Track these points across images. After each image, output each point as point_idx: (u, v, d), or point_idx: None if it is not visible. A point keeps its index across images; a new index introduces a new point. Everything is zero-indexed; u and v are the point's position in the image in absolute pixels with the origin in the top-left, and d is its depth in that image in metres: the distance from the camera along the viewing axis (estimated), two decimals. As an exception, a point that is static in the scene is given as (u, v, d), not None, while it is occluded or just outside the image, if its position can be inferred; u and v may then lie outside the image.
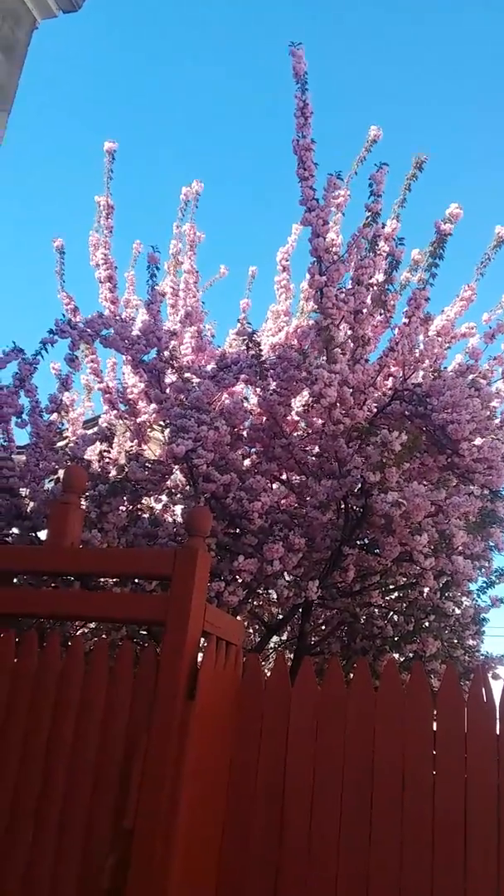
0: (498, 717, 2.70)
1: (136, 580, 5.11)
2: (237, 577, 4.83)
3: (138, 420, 5.98)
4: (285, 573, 4.93)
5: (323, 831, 2.72)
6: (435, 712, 2.75)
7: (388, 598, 6.00)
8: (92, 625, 5.43)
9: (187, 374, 5.60)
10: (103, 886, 2.58)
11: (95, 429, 5.94)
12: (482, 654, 6.52)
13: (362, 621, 5.76)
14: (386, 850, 2.64)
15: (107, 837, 2.67)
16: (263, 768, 2.85)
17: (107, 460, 5.81)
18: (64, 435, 6.22)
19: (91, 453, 5.82)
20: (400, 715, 2.76)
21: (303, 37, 4.90)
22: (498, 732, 2.68)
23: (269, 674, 3.12)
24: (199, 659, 2.80)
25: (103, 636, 4.77)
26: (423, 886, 2.58)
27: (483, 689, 2.72)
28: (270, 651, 6.28)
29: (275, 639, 6.16)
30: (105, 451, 5.87)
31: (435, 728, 2.74)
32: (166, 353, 5.63)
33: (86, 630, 5.30)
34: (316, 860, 2.70)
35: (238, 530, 5.11)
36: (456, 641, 6.15)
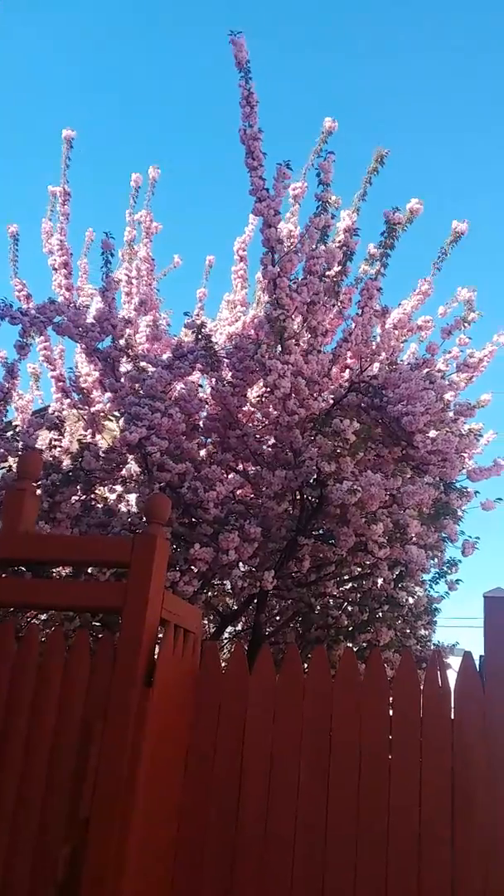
0: (453, 702, 2.73)
1: (90, 570, 5.04)
2: (192, 566, 4.80)
3: (92, 409, 5.89)
4: (241, 563, 4.92)
5: (280, 818, 2.72)
6: (391, 699, 2.77)
7: (342, 588, 6.04)
8: (44, 616, 5.33)
9: (142, 363, 5.53)
10: (57, 877, 2.53)
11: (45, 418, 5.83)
12: (434, 644, 6.62)
13: (317, 611, 5.78)
14: (343, 833, 2.65)
15: (61, 828, 2.62)
16: (221, 755, 2.83)
17: (58, 449, 5.70)
18: (13, 424, 6.09)
19: (41, 442, 5.71)
20: (357, 701, 2.77)
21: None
22: (452, 717, 2.71)
23: (225, 663, 3.10)
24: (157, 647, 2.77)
25: (57, 625, 4.68)
26: (378, 869, 2.59)
27: (438, 675, 2.75)
28: (225, 641, 6.26)
29: (229, 629, 6.14)
30: (56, 439, 5.77)
31: (391, 713, 2.75)
32: (121, 342, 5.55)
33: (37, 622, 5.20)
34: (273, 846, 2.70)
35: (193, 520, 5.07)
36: (409, 631, 6.23)
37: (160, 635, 2.80)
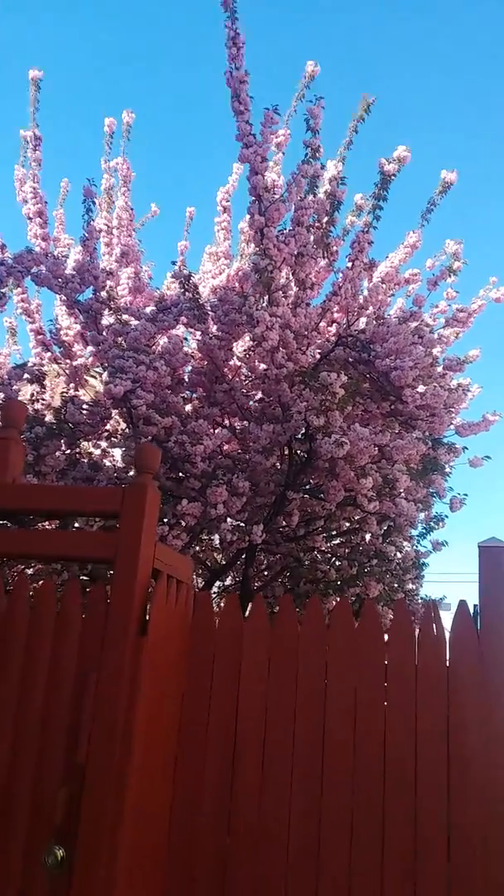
0: (448, 650, 2.72)
1: (76, 525, 4.99)
2: (181, 521, 4.76)
3: (74, 363, 5.78)
4: (229, 517, 4.88)
5: (276, 765, 2.71)
6: (386, 647, 2.76)
7: (331, 543, 6.04)
8: (30, 571, 5.28)
9: (125, 316, 5.41)
10: (55, 821, 2.52)
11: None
12: (422, 598, 6.67)
13: (305, 566, 5.79)
14: (338, 781, 2.65)
15: (59, 773, 2.60)
16: (216, 704, 2.81)
17: (41, 403, 5.60)
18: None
19: (22, 396, 5.60)
20: (352, 649, 2.75)
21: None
22: (448, 665, 2.70)
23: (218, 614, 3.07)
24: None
25: (45, 579, 4.63)
26: (375, 817, 2.60)
27: (434, 623, 2.73)
28: (214, 596, 6.26)
29: (218, 584, 6.14)
30: (38, 392, 5.66)
31: (387, 661, 2.74)
32: (103, 294, 5.42)
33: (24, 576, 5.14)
34: (269, 794, 2.69)
35: (181, 474, 5.02)
36: (396, 586, 6.26)
37: (151, 588, 2.75)
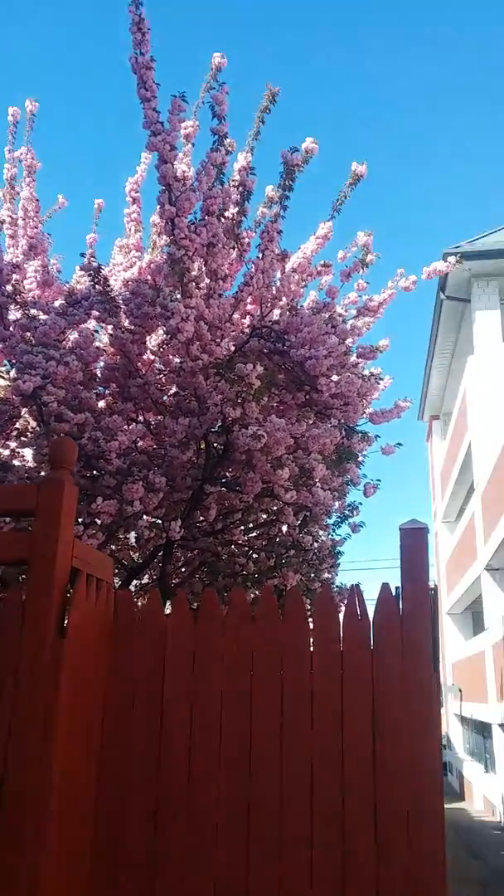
0: (372, 632, 2.74)
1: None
2: (96, 519, 4.65)
3: (-21, 361, 5.55)
4: (146, 514, 4.80)
5: (203, 764, 2.67)
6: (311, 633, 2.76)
7: (248, 536, 6.04)
8: None
9: (33, 311, 5.24)
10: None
11: None
12: (337, 587, 6.77)
13: (223, 559, 5.77)
14: (266, 772, 2.64)
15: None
16: (140, 703, 2.75)
17: None
18: None
19: None
20: (277, 638, 2.74)
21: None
22: (372, 647, 2.73)
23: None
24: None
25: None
26: (304, 799, 2.60)
27: (358, 608, 2.75)
28: (132, 594, 6.16)
29: (135, 582, 6.04)
30: None
31: (312, 649, 2.74)
32: (9, 287, 5.22)
33: None
34: (196, 794, 2.65)
35: (95, 472, 4.90)
36: (313, 575, 6.33)
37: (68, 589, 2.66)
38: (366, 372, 5.90)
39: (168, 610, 3.01)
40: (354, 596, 2.78)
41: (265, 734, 2.67)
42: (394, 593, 2.76)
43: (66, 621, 2.54)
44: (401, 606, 2.71)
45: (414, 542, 2.73)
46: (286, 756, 2.65)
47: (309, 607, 3.29)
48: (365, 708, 2.66)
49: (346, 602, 2.80)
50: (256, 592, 5.80)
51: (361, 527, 6.10)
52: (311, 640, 2.76)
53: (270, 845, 2.57)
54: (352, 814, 2.57)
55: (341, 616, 2.78)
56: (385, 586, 2.74)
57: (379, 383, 5.92)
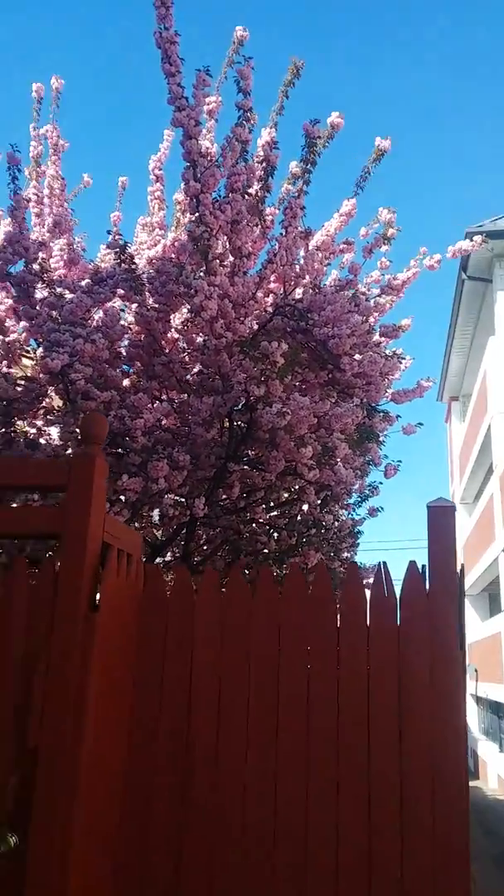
0: (399, 610, 2.77)
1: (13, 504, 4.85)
2: (121, 496, 4.70)
3: (7, 339, 5.59)
4: (170, 492, 4.84)
5: (231, 738, 2.73)
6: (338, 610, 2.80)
7: (270, 514, 6.07)
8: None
9: (59, 289, 5.26)
10: (6, 807, 2.47)
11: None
12: (352, 561, 6.79)
13: (245, 538, 5.80)
14: (293, 749, 2.69)
15: (9, 757, 2.55)
16: (169, 679, 2.81)
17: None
18: None
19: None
20: (304, 615, 2.78)
21: None
22: (399, 624, 2.76)
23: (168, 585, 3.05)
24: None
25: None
26: (329, 780, 2.65)
27: (385, 585, 2.78)
28: (160, 569, 6.22)
29: (158, 559, 6.10)
30: (-31, 372, 5.47)
31: (339, 625, 2.78)
32: (35, 266, 5.24)
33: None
34: (224, 767, 2.71)
35: (120, 450, 4.94)
36: (333, 554, 6.36)
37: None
38: (388, 351, 5.89)
39: (195, 586, 3.05)
40: (381, 573, 2.81)
41: (292, 709, 2.72)
42: (420, 571, 2.78)
43: (97, 595, 2.59)
44: (427, 584, 2.74)
45: (441, 520, 2.75)
46: (313, 732, 2.70)
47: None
48: (391, 684, 2.70)
49: (372, 579, 2.83)
50: (278, 571, 5.85)
51: (380, 511, 6.11)
52: (338, 616, 2.80)
53: (296, 815, 2.62)
54: (378, 788, 2.62)
55: (367, 593, 2.81)
56: (412, 564, 2.76)
57: (401, 363, 5.90)
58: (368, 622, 2.75)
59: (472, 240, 6.16)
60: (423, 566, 2.80)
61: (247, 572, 5.68)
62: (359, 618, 2.75)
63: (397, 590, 2.79)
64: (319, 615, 2.77)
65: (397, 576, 2.78)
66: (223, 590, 2.91)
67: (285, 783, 2.66)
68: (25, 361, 6.03)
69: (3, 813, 2.50)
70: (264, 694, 2.75)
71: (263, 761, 2.69)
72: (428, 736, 2.66)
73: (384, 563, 2.84)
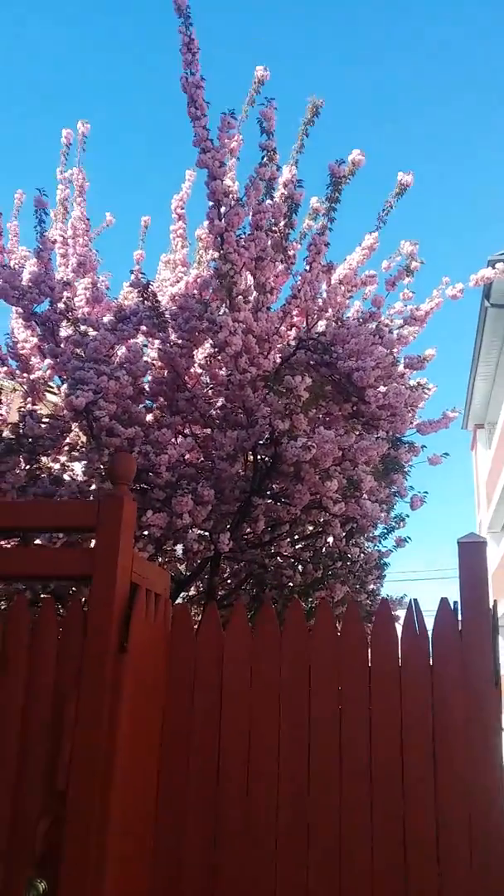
0: (431, 649, 2.73)
1: (37, 541, 4.87)
2: (146, 532, 4.70)
3: (32, 377, 5.66)
4: (194, 527, 4.83)
5: (261, 781, 2.68)
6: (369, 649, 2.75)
7: (295, 547, 6.03)
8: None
9: (83, 327, 5.33)
10: (36, 850, 2.44)
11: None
12: (383, 598, 6.71)
13: (270, 571, 5.77)
14: (325, 794, 2.63)
15: (38, 800, 2.52)
16: (198, 719, 2.77)
17: (-3, 419, 5.49)
18: None
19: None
20: (335, 653, 2.74)
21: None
22: (431, 664, 2.71)
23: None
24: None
25: (6, 600, 4.52)
26: (363, 818, 2.59)
27: (416, 622, 2.74)
28: (189, 608, 6.19)
29: (182, 594, 6.07)
30: (-6, 409, 5.55)
31: (370, 663, 2.74)
32: (60, 305, 5.32)
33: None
34: (254, 809, 2.66)
35: (145, 485, 4.95)
36: (359, 587, 6.29)
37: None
38: (412, 382, 5.87)
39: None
40: (412, 612, 2.77)
41: (323, 750, 2.67)
42: (452, 608, 2.74)
43: (126, 636, 2.57)
44: (460, 622, 2.69)
45: (473, 556, 2.71)
46: (345, 773, 2.65)
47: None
48: (424, 725, 2.65)
49: (399, 611, 2.79)
50: (304, 604, 5.79)
51: (407, 541, 6.06)
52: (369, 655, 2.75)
53: (330, 866, 2.56)
54: (413, 833, 2.55)
55: (399, 631, 2.77)
56: (444, 602, 2.72)
57: (426, 393, 5.88)
58: (400, 661, 2.71)
59: (494, 267, 6.16)
60: (455, 602, 2.75)
61: (273, 606, 5.63)
62: (391, 658, 2.71)
63: (428, 621, 2.75)
64: (350, 655, 2.73)
65: (425, 606, 2.74)
66: (250, 623, 2.88)
67: (317, 829, 2.61)
68: (50, 397, 6.10)
69: (32, 858, 2.48)
70: (295, 735, 2.71)
71: (295, 807, 2.64)
72: (464, 779, 2.60)
73: (415, 600, 2.80)
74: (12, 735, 2.63)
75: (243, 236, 4.86)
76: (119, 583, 2.57)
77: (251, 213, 4.90)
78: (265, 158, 4.82)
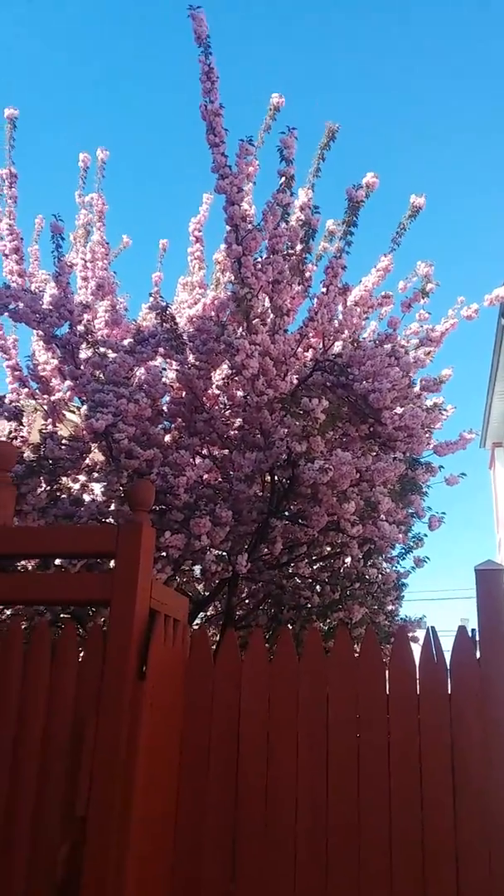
0: (449, 676, 2.72)
1: (57, 562, 4.92)
2: (164, 553, 4.72)
3: (52, 398, 5.73)
4: (212, 548, 4.85)
5: (279, 808, 2.68)
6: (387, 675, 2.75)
7: (313, 568, 6.03)
8: (8, 611, 5.18)
9: (103, 349, 5.39)
10: (56, 877, 2.45)
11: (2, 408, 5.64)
12: (401, 619, 6.68)
13: (287, 592, 5.77)
14: (344, 814, 2.63)
15: (57, 827, 2.54)
16: (216, 745, 2.78)
17: (18, 440, 5.54)
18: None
19: (-1, 434, 5.55)
20: (353, 680, 2.74)
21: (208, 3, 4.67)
22: (449, 692, 2.70)
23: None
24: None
25: (27, 620, 4.55)
26: (382, 848, 2.58)
27: (434, 650, 2.74)
28: (198, 628, 6.20)
29: (200, 614, 6.09)
30: (15, 430, 5.60)
31: (388, 692, 2.73)
32: (80, 328, 5.39)
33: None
34: (273, 839, 2.66)
35: (163, 506, 4.99)
36: (377, 608, 6.27)
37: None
38: (428, 402, 5.87)
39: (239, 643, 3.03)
40: (430, 639, 2.77)
41: (340, 779, 2.67)
42: (470, 636, 2.73)
43: (145, 662, 2.59)
44: (478, 650, 2.69)
45: (491, 583, 2.71)
46: (363, 803, 2.64)
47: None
48: (442, 752, 2.64)
49: (417, 633, 2.79)
50: (322, 625, 5.78)
51: (426, 561, 6.04)
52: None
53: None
54: (431, 864, 2.54)
55: (416, 658, 2.77)
56: (462, 630, 2.72)
57: (442, 414, 5.88)
58: (418, 689, 2.71)
59: (508, 287, 6.16)
60: (473, 630, 2.75)
61: (290, 627, 5.62)
62: (409, 685, 2.71)
63: (447, 642, 2.75)
64: (368, 681, 2.73)
65: (443, 626, 2.74)
66: (267, 645, 2.89)
67: (336, 858, 2.60)
68: (70, 416, 6.17)
69: (52, 884, 2.49)
70: (312, 764, 2.71)
71: (313, 836, 2.63)
72: (483, 806, 2.58)
73: (433, 628, 2.80)
74: (33, 760, 2.65)
75: (260, 260, 4.91)
76: (138, 608, 2.59)
77: (268, 238, 4.95)
78: (282, 185, 4.88)
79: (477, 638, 2.72)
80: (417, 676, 2.72)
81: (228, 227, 4.76)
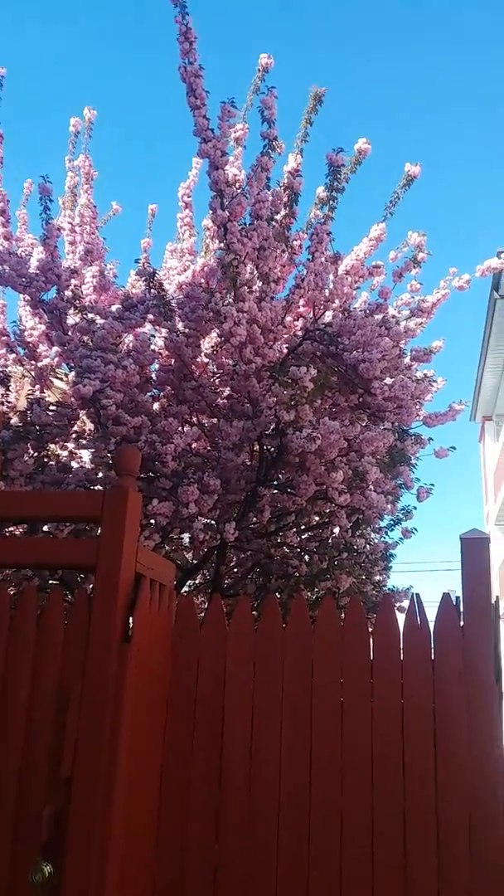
0: (432, 642, 2.74)
1: (45, 528, 4.91)
2: (152, 521, 4.72)
3: (39, 364, 5.68)
4: (200, 516, 4.85)
5: (264, 771, 2.71)
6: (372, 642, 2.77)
7: (301, 537, 6.05)
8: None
9: (91, 315, 5.33)
10: (40, 839, 2.47)
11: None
12: (389, 589, 6.73)
13: (276, 561, 5.79)
14: (328, 779, 2.66)
15: (42, 789, 2.55)
16: (201, 710, 2.80)
17: (5, 406, 5.50)
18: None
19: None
20: (338, 646, 2.76)
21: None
22: (433, 658, 2.72)
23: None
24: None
25: (15, 587, 4.55)
26: (364, 813, 2.61)
27: (418, 617, 2.75)
28: (185, 595, 6.22)
29: (189, 582, 6.11)
30: (3, 395, 5.56)
31: (372, 658, 2.75)
32: (67, 293, 5.33)
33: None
34: (257, 800, 2.69)
35: (151, 474, 4.97)
36: (365, 578, 6.31)
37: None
38: (419, 374, 5.86)
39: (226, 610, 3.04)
40: (414, 606, 2.78)
41: (324, 743, 2.69)
42: (454, 603, 2.75)
43: (130, 626, 2.60)
44: (462, 618, 2.70)
45: (475, 552, 2.72)
46: (346, 766, 2.67)
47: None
48: (425, 718, 2.66)
49: (404, 603, 2.81)
50: (309, 594, 5.81)
51: (414, 532, 6.06)
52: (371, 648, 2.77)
53: (331, 858, 2.59)
54: (413, 825, 2.58)
55: (401, 624, 2.78)
56: (446, 597, 2.73)
57: (432, 385, 5.87)
58: (402, 656, 2.72)
59: (501, 258, 6.12)
60: (458, 598, 2.77)
61: (278, 596, 5.65)
62: (393, 652, 2.72)
63: (430, 613, 2.76)
64: (352, 648, 2.75)
65: (431, 597, 2.75)
66: (254, 612, 2.90)
67: (318, 818, 2.63)
68: (58, 383, 6.12)
69: (38, 842, 2.51)
70: (297, 726, 2.73)
71: (297, 795, 2.67)
72: (464, 773, 2.62)
73: (417, 595, 2.81)
74: (18, 722, 2.65)
75: (246, 226, 4.84)
76: (123, 573, 2.59)
77: (252, 203, 4.87)
78: (267, 148, 4.79)
79: (461, 607, 2.73)
80: (401, 643, 2.73)
81: (213, 192, 4.68)
